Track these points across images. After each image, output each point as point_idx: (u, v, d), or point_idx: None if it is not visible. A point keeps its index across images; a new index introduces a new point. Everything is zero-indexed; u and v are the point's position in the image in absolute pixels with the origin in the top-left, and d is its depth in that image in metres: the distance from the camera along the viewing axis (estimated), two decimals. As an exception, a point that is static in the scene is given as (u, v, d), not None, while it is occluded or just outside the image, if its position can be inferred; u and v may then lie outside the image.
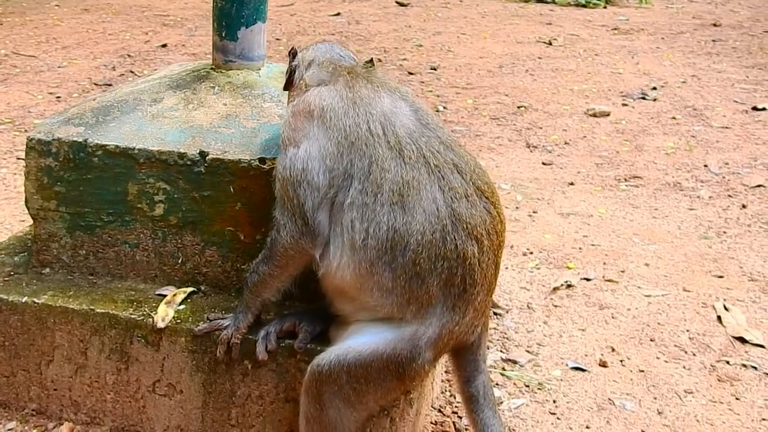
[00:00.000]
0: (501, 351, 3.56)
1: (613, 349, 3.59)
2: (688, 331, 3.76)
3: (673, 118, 7.12)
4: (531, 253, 4.52)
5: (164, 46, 9.05)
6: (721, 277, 4.30)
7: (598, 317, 3.86)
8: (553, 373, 3.41)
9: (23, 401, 2.93)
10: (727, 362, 3.52)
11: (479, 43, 9.89)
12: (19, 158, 5.48)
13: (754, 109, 7.36)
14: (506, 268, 4.28)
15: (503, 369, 3.42)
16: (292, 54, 2.74)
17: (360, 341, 2.38)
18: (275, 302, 2.67)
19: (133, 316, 2.75)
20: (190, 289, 2.87)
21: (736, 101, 7.62)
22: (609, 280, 4.21)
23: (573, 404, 3.21)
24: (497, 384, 3.29)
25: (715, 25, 11.42)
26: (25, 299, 2.83)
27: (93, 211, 2.91)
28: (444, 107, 7.22)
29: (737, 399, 3.28)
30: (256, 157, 2.78)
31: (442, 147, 2.42)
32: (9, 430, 2.85)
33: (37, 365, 2.88)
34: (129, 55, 8.52)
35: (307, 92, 2.55)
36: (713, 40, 10.36)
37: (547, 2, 12.76)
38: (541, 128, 6.76)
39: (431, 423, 3.03)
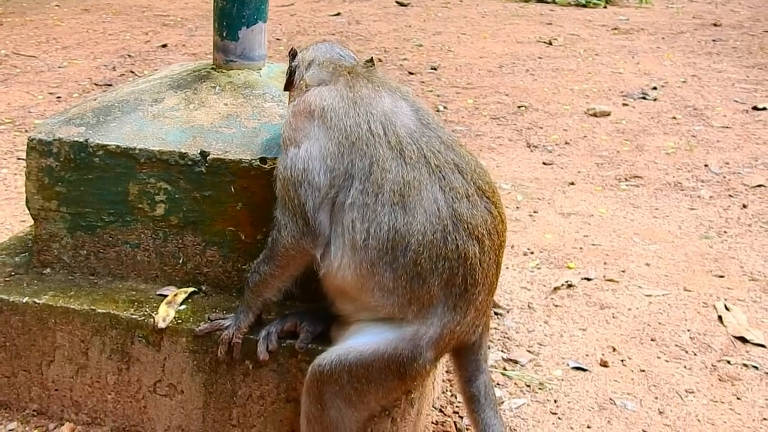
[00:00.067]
0: (502, 351, 3.56)
1: (614, 349, 3.59)
2: (689, 330, 3.76)
3: (674, 117, 7.12)
4: (532, 252, 4.51)
5: (164, 46, 9.05)
6: (721, 276, 4.30)
7: (598, 317, 3.85)
8: (554, 372, 3.41)
9: (24, 402, 2.93)
10: (728, 362, 3.52)
11: (479, 42, 9.89)
12: (19, 158, 5.48)
13: (755, 108, 7.36)
14: (507, 267, 4.28)
15: (504, 369, 3.42)
16: (292, 54, 2.74)
17: (361, 341, 2.38)
18: (276, 302, 2.67)
19: (134, 317, 2.75)
20: (191, 289, 2.87)
21: (736, 101, 7.62)
22: (610, 280, 4.21)
23: (574, 404, 3.21)
24: (498, 384, 3.29)
25: (715, 24, 11.41)
26: (26, 299, 2.83)
27: (94, 212, 2.91)
28: (444, 107, 7.22)
29: (738, 399, 3.28)
30: (257, 157, 2.78)
31: (443, 147, 2.42)
32: (10, 430, 2.85)
33: (38, 365, 2.88)
34: (129, 56, 8.52)
35: (307, 92, 2.55)
36: (713, 40, 10.36)
37: (547, 2, 12.76)
38: (541, 128, 6.75)
39: (432, 423, 3.03)
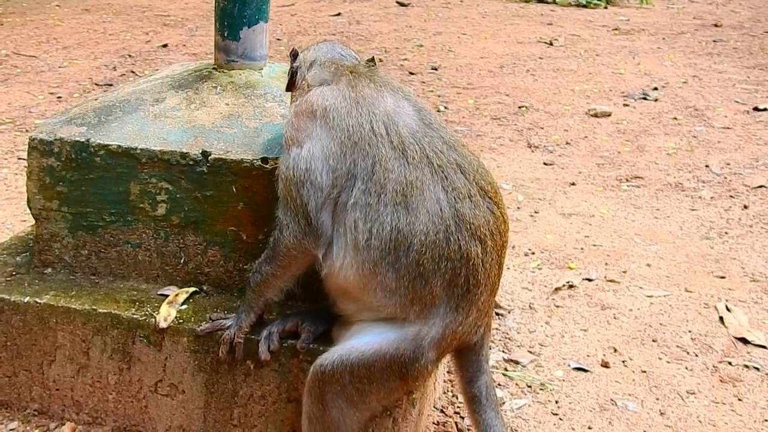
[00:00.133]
0: (503, 351, 3.55)
1: (615, 350, 3.59)
2: (690, 331, 3.76)
3: (675, 118, 7.12)
4: (533, 253, 4.51)
5: (165, 46, 9.04)
6: (723, 277, 4.29)
7: (600, 318, 3.85)
8: (555, 373, 3.41)
9: (25, 401, 2.92)
10: (729, 363, 3.52)
11: (480, 43, 9.89)
12: (20, 158, 5.47)
13: (755, 109, 7.35)
14: (508, 268, 4.27)
15: (505, 369, 3.42)
16: (293, 55, 2.73)
17: (363, 341, 2.38)
18: (277, 302, 2.67)
19: (135, 316, 2.75)
20: (193, 289, 2.87)
21: (737, 101, 7.62)
22: (611, 281, 4.21)
23: (575, 405, 3.21)
24: (499, 384, 3.29)
25: (716, 25, 11.41)
26: (27, 299, 2.82)
27: (95, 211, 2.91)
28: (445, 107, 7.22)
29: (739, 400, 3.28)
30: (258, 157, 2.78)
31: (445, 147, 2.41)
32: (11, 430, 2.84)
33: (39, 365, 2.87)
34: (130, 56, 8.52)
35: (309, 92, 2.55)
36: (714, 41, 10.36)
37: (547, 2, 12.76)
38: (542, 128, 6.75)
39: (433, 423, 3.03)
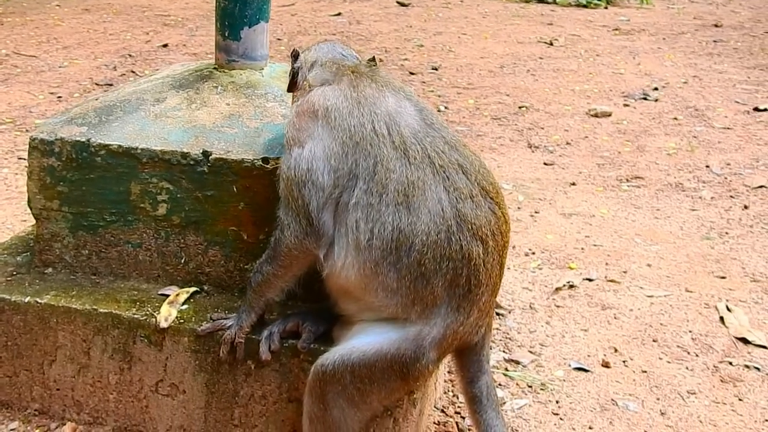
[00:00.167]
0: (504, 351, 3.55)
1: (616, 350, 3.59)
2: (690, 331, 3.76)
3: (675, 118, 7.12)
4: (533, 253, 4.51)
5: (165, 46, 9.05)
6: (723, 277, 4.29)
7: (600, 318, 3.85)
8: (556, 373, 3.41)
9: (26, 401, 2.92)
10: (730, 363, 3.52)
11: (480, 43, 9.89)
12: (20, 158, 5.47)
13: (756, 109, 7.35)
14: (508, 268, 4.27)
15: (506, 369, 3.42)
16: (294, 56, 2.73)
17: (364, 341, 2.38)
18: (278, 302, 2.67)
19: (136, 316, 2.75)
20: (193, 289, 2.87)
21: (737, 102, 7.62)
22: (611, 281, 4.21)
23: (576, 405, 3.21)
24: (500, 384, 3.29)
25: (716, 25, 11.42)
26: (27, 299, 2.82)
27: (96, 211, 2.91)
28: (445, 107, 7.22)
29: (740, 400, 3.27)
30: (259, 156, 2.78)
31: (447, 147, 2.41)
32: (12, 430, 2.84)
33: (39, 365, 2.87)
34: (130, 55, 8.52)
35: (310, 92, 2.55)
36: (714, 41, 10.36)
37: (548, 2, 12.76)
38: (542, 128, 6.75)
39: (434, 423, 3.02)
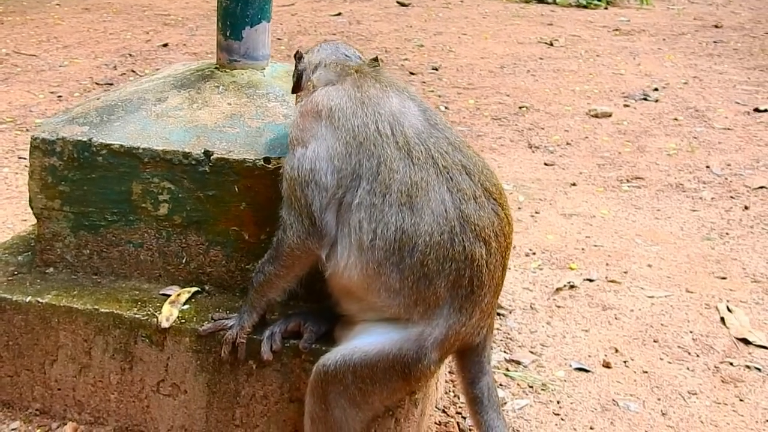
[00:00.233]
0: (504, 351, 3.55)
1: (617, 350, 3.59)
2: (691, 332, 3.76)
3: (675, 119, 7.12)
4: (534, 253, 4.51)
5: (165, 45, 9.04)
6: (724, 278, 4.30)
7: (601, 318, 3.85)
8: (557, 373, 3.41)
9: (27, 401, 2.92)
10: (731, 363, 3.52)
11: (480, 43, 9.89)
12: (20, 157, 5.47)
13: (756, 110, 7.36)
14: (509, 268, 4.25)
15: (507, 370, 3.42)
16: (298, 57, 2.73)
17: (366, 341, 2.38)
18: (280, 302, 2.67)
19: (137, 316, 2.75)
20: (195, 288, 2.87)
21: (737, 102, 7.62)
22: (612, 281, 4.21)
23: (577, 405, 3.21)
24: (501, 384, 3.29)
25: (716, 26, 11.42)
26: (29, 299, 2.82)
27: (97, 211, 2.90)
28: (446, 107, 7.22)
29: (741, 400, 3.28)
30: (260, 156, 2.78)
31: (451, 148, 2.41)
32: (13, 429, 2.84)
33: (40, 365, 2.87)
34: (130, 55, 8.52)
35: (314, 93, 2.54)
36: (714, 42, 10.37)
37: (548, 3, 12.77)
38: (542, 129, 6.75)
39: (435, 423, 3.02)
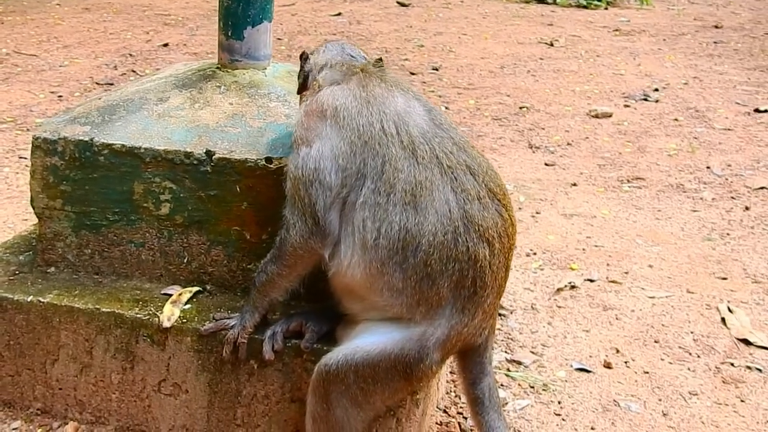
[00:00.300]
0: (505, 352, 3.55)
1: (618, 351, 3.59)
2: (692, 332, 3.76)
3: (676, 119, 7.12)
4: (534, 254, 4.51)
5: (166, 45, 9.04)
6: (724, 278, 4.30)
7: (602, 318, 3.85)
8: (558, 374, 3.41)
9: (28, 400, 2.92)
10: (732, 364, 3.52)
11: (480, 43, 9.89)
12: (21, 157, 5.47)
13: (756, 111, 7.36)
14: (510, 269, 4.27)
15: (508, 370, 3.42)
16: (304, 58, 2.73)
17: (368, 341, 2.38)
18: (281, 302, 2.66)
19: (138, 316, 2.74)
20: (196, 288, 2.86)
21: (738, 103, 7.62)
22: (613, 282, 4.21)
23: (578, 405, 3.21)
24: (502, 385, 3.29)
25: (716, 26, 11.43)
26: (30, 298, 2.82)
27: (99, 210, 2.90)
28: (446, 108, 7.22)
29: (742, 401, 3.28)
30: (262, 156, 2.78)
31: (455, 148, 2.41)
32: (14, 429, 2.84)
33: (42, 364, 2.87)
34: (130, 55, 8.52)
35: (319, 92, 2.54)
36: (715, 42, 10.37)
37: (548, 3, 12.77)
38: (543, 129, 6.76)
39: (436, 423, 3.02)
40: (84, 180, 2.89)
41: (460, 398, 3.17)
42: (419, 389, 2.62)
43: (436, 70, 8.51)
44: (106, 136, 2.88)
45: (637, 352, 3.59)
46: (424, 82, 7.99)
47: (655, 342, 3.67)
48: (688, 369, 3.48)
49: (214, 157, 2.80)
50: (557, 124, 6.90)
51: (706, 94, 7.90)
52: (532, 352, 3.56)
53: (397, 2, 12.24)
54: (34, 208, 2.97)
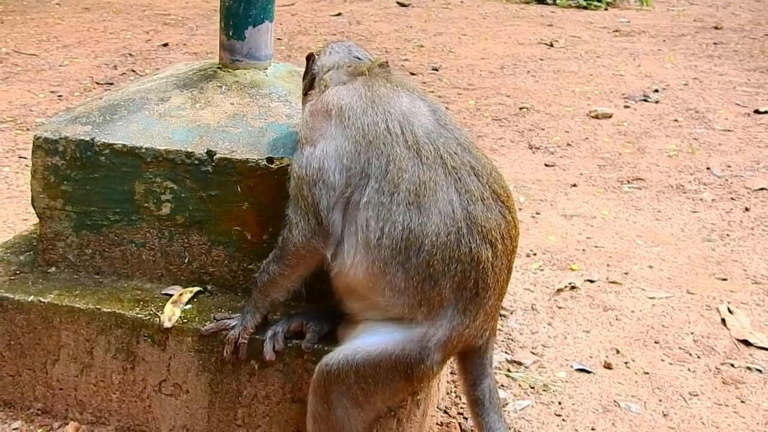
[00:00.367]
0: (506, 352, 3.55)
1: (618, 351, 3.59)
2: (692, 333, 3.76)
3: (675, 120, 7.13)
4: (535, 254, 4.51)
5: (165, 45, 9.04)
6: (724, 279, 4.30)
7: (602, 319, 3.85)
8: (558, 374, 3.41)
9: (28, 400, 2.92)
10: (732, 365, 3.52)
11: (480, 44, 9.89)
12: (21, 157, 5.47)
13: (756, 112, 7.36)
14: (510, 269, 4.27)
15: (508, 370, 3.42)
16: (311, 59, 2.73)
17: (369, 341, 2.38)
18: (282, 302, 2.66)
19: (139, 316, 2.74)
20: (197, 288, 2.86)
21: (738, 104, 7.63)
22: (613, 282, 4.21)
23: (578, 406, 3.21)
24: (502, 385, 3.29)
25: (716, 27, 11.43)
26: (30, 298, 2.82)
27: (99, 210, 2.90)
28: (446, 108, 7.22)
29: (742, 402, 3.28)
30: (263, 156, 2.77)
31: (460, 149, 2.42)
32: (14, 429, 2.84)
33: (42, 364, 2.87)
34: (130, 54, 8.52)
35: (325, 92, 2.54)
36: (714, 43, 10.38)
37: (548, 4, 12.78)
38: (543, 129, 6.76)
39: (437, 424, 3.02)
40: (85, 180, 2.88)
41: (460, 399, 3.17)
42: (420, 390, 2.62)
43: (436, 70, 8.51)
44: (107, 135, 2.88)
45: (637, 352, 3.59)
46: (424, 83, 7.98)
47: (656, 343, 3.67)
48: (689, 370, 3.48)
49: (215, 157, 2.80)
50: (557, 124, 6.90)
51: (706, 95, 7.90)
52: (533, 353, 3.56)
53: (397, 2, 12.25)
54: (35, 208, 2.97)
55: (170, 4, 11.41)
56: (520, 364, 3.47)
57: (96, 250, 2.94)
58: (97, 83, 7.41)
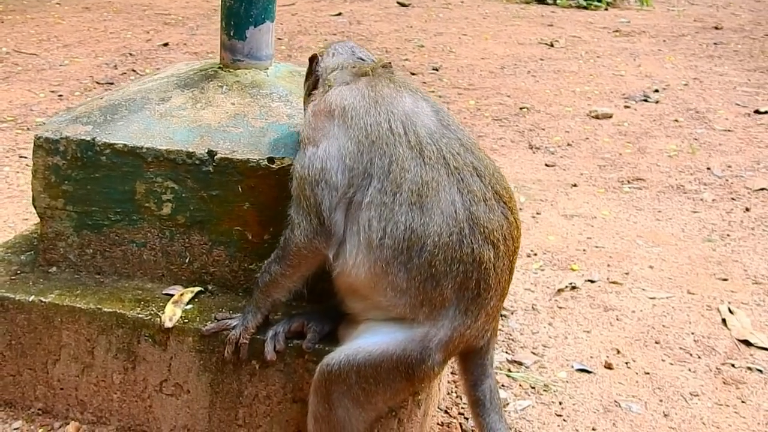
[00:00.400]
0: (506, 352, 3.55)
1: (619, 351, 3.59)
2: (693, 333, 3.76)
3: (676, 120, 7.13)
4: (535, 254, 4.51)
5: (166, 44, 9.04)
6: (725, 279, 4.30)
7: (603, 319, 3.85)
8: (559, 374, 3.41)
9: (29, 400, 2.92)
10: (733, 365, 3.52)
11: (481, 44, 9.89)
12: (21, 156, 5.47)
13: (757, 112, 7.37)
14: (511, 269, 4.27)
15: (509, 370, 3.42)
16: (314, 60, 2.73)
17: (370, 341, 2.38)
18: (283, 302, 2.66)
19: (140, 316, 2.74)
20: (198, 288, 2.86)
21: (738, 104, 7.63)
22: (613, 282, 4.21)
23: (579, 406, 3.21)
24: (503, 385, 3.29)
25: (716, 28, 11.43)
26: (31, 298, 2.82)
27: (100, 210, 2.90)
28: (446, 108, 7.21)
29: (743, 402, 3.28)
30: (264, 156, 2.77)
31: (462, 149, 2.41)
32: (15, 429, 2.84)
33: (43, 364, 2.87)
34: (131, 54, 8.51)
35: (328, 92, 2.54)
36: (715, 43, 10.38)
37: (548, 4, 12.78)
38: (543, 129, 6.76)
39: (438, 424, 3.02)
40: (86, 180, 2.88)
41: (461, 399, 3.17)
42: (421, 390, 2.62)
43: (437, 70, 8.51)
44: (108, 135, 2.88)
45: (637, 352, 3.59)
46: (425, 83, 7.98)
47: (656, 343, 3.67)
48: (689, 370, 3.48)
49: (216, 157, 2.80)
50: (557, 124, 6.90)
51: (707, 95, 7.90)
52: (533, 353, 3.56)
53: (398, 2, 12.25)
54: (35, 208, 2.97)
55: (170, 4, 11.41)
56: (520, 364, 3.47)
57: (97, 249, 2.94)
58: (97, 83, 7.41)
